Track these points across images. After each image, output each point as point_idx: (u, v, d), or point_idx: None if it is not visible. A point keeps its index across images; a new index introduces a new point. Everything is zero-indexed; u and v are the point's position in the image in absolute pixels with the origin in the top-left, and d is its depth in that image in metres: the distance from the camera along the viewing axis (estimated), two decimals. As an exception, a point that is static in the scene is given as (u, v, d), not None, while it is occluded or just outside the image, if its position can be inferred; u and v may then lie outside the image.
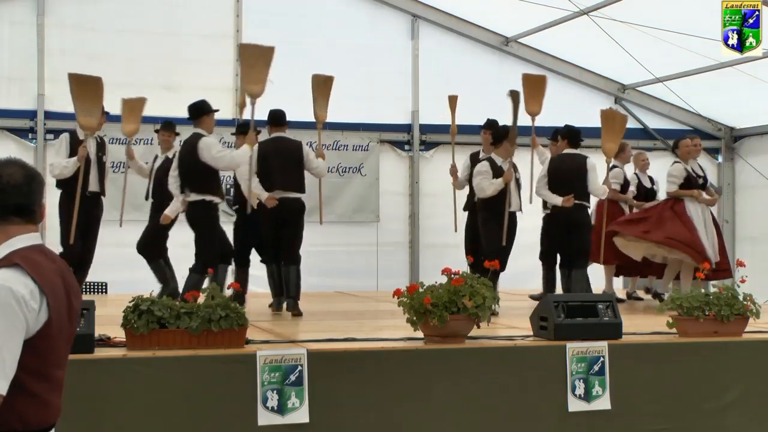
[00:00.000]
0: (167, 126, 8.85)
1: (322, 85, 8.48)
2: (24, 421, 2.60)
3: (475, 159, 8.98)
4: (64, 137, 8.42)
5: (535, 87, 8.96)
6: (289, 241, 7.89)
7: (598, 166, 8.75)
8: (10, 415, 2.55)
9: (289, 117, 8.27)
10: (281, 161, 7.84)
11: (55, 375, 2.71)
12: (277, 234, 7.91)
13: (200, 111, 7.70)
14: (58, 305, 2.68)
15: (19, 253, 2.66)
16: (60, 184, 8.29)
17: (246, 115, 7.97)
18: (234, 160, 7.67)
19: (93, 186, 8.29)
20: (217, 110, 7.83)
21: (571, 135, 8.80)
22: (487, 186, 8.30)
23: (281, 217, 7.82)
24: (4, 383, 2.50)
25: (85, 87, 8.04)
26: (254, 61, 7.76)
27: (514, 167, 8.49)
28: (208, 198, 7.56)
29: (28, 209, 2.73)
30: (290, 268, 7.83)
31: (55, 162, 8.35)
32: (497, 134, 8.60)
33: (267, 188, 7.81)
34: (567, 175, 8.59)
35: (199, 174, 7.50)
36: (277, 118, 8.09)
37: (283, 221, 7.85)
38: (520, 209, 8.56)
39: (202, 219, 7.58)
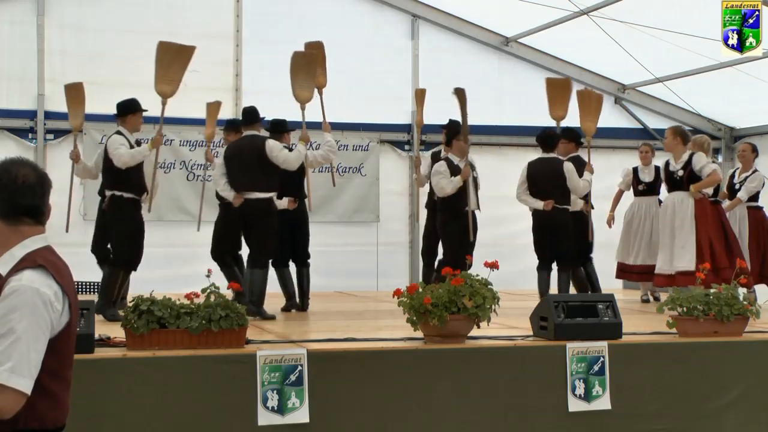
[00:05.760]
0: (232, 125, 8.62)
1: (309, 59, 8.15)
2: (41, 420, 2.64)
3: (436, 158, 9.12)
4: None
5: (559, 90, 9.14)
6: (254, 243, 7.67)
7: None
8: (29, 414, 2.59)
9: (289, 117, 8.23)
10: (242, 161, 7.65)
11: (68, 375, 2.75)
12: (245, 235, 7.79)
13: (128, 109, 7.57)
14: (76, 306, 2.74)
15: (38, 254, 2.68)
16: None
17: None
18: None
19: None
20: (146, 110, 7.68)
21: (544, 141, 8.75)
22: (446, 184, 8.45)
23: (244, 218, 7.65)
24: (30, 383, 2.54)
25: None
26: (170, 61, 7.70)
27: (472, 166, 8.62)
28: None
29: (39, 210, 2.75)
30: (254, 270, 7.57)
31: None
32: (449, 133, 8.74)
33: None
34: (545, 180, 8.60)
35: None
36: (245, 116, 7.94)
37: (245, 223, 7.68)
38: (478, 208, 8.72)
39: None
